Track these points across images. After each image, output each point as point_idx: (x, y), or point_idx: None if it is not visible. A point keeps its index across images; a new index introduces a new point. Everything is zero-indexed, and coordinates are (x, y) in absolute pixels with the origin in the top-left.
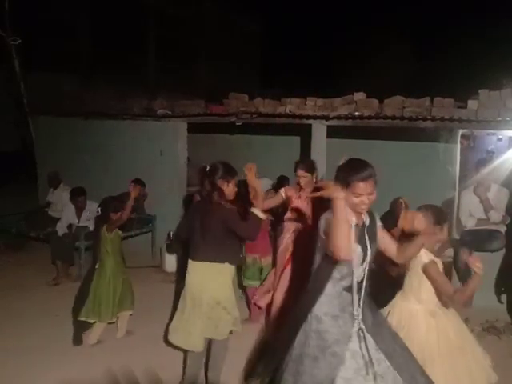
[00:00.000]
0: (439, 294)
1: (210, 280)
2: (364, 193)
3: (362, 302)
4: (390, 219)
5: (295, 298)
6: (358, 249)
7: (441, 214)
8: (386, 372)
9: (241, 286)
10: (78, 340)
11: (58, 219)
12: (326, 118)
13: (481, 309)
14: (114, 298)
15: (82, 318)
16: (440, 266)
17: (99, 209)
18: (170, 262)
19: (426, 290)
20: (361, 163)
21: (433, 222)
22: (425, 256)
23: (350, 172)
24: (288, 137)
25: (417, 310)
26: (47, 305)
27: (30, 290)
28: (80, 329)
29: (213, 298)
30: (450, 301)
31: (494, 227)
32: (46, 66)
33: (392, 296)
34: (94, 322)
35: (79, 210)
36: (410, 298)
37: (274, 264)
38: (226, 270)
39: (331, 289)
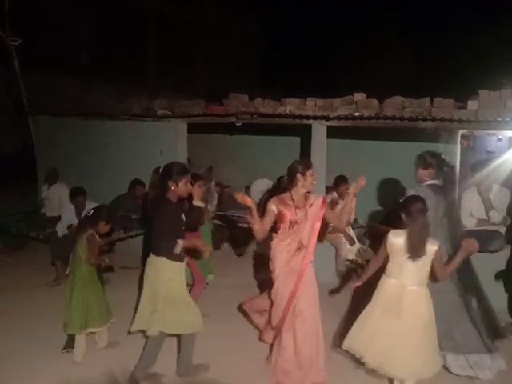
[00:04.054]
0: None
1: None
2: None
3: None
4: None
5: None
6: None
7: None
8: None
9: None
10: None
11: (55, 217)
12: (326, 118)
13: None
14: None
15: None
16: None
17: (91, 211)
18: None
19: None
20: None
21: None
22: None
23: None
24: (288, 137)
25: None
26: (46, 305)
27: (30, 290)
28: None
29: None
30: None
31: (493, 228)
32: (46, 66)
33: None
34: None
35: (79, 210)
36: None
37: None
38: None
39: None
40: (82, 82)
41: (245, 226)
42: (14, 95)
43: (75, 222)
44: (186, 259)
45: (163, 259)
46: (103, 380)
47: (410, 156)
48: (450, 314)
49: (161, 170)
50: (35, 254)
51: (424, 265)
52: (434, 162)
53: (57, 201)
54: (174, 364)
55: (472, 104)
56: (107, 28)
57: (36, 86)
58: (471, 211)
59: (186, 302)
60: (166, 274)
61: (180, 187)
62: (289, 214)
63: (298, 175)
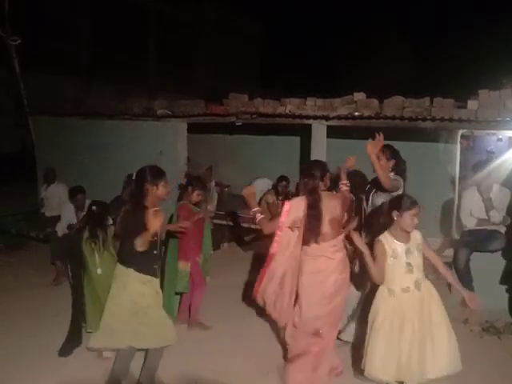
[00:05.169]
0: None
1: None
2: None
3: None
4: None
5: None
6: None
7: None
8: None
9: None
10: (66, 351)
11: (55, 217)
12: (326, 118)
13: (481, 309)
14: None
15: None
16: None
17: (94, 208)
18: None
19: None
20: None
21: None
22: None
23: None
24: (288, 137)
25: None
26: (47, 305)
27: (30, 290)
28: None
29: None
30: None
31: (493, 228)
32: (46, 66)
33: None
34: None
35: (78, 210)
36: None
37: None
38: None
39: None
40: (82, 82)
41: (245, 225)
42: (14, 95)
43: (75, 221)
44: (189, 264)
45: (131, 271)
46: (103, 381)
47: (409, 156)
48: None
49: (135, 176)
50: (35, 254)
51: None
52: (395, 154)
53: (56, 200)
54: (171, 364)
55: (472, 104)
56: (107, 28)
57: (36, 85)
58: (471, 211)
59: (159, 314)
60: (134, 287)
61: (160, 189)
62: None
63: (318, 180)
